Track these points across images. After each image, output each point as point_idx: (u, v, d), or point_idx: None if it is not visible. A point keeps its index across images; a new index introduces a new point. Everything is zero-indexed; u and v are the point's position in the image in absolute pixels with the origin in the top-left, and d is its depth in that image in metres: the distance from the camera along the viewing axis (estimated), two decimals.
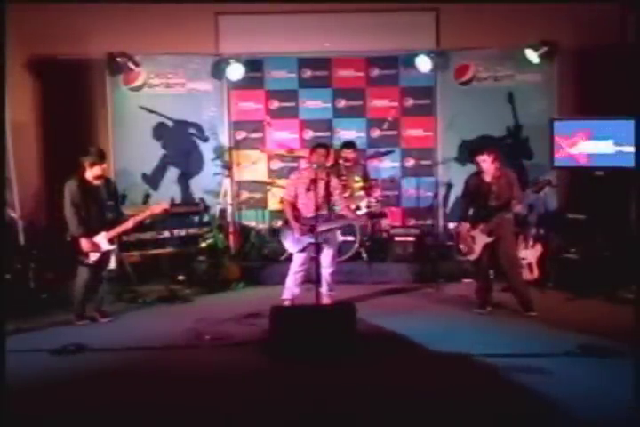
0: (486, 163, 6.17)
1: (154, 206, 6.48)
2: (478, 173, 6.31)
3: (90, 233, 6.03)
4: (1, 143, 6.55)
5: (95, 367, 5.08)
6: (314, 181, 6.15)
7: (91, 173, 6.06)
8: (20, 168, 7.37)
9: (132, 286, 7.27)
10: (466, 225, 6.32)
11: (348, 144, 8.04)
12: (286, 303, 6.43)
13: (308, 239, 6.28)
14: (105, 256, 6.17)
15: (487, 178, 6.24)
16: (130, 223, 6.20)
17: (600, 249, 7.06)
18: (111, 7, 7.90)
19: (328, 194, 6.37)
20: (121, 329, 6.07)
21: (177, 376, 4.89)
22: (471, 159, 6.59)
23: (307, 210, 6.37)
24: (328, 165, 6.49)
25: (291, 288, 6.48)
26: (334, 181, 6.48)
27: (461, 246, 6.41)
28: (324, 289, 6.41)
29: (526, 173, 7.85)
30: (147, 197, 7.99)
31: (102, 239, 6.08)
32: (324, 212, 6.34)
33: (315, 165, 6.27)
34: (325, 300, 6.40)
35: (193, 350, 5.45)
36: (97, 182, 6.10)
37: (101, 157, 6.09)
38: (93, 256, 6.07)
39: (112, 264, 6.25)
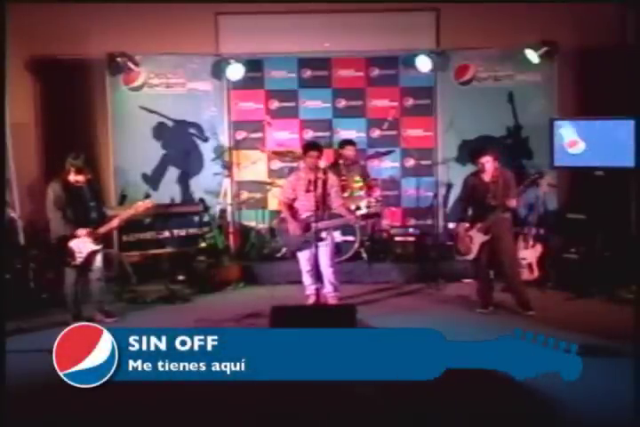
0: (489, 164, 6.20)
1: (137, 205, 6.44)
2: (477, 173, 6.32)
3: (75, 234, 6.04)
4: (1, 143, 6.56)
5: None
6: (312, 182, 6.18)
7: (74, 176, 6.09)
8: (20, 168, 7.37)
9: (131, 286, 7.28)
10: (464, 225, 6.34)
11: (348, 141, 8.03)
12: (311, 298, 6.43)
13: (305, 238, 6.28)
14: (91, 256, 6.16)
15: (486, 178, 6.26)
16: (114, 223, 6.20)
17: (600, 249, 7.06)
18: (111, 7, 7.88)
19: (325, 193, 6.35)
20: None
21: None
22: (472, 160, 6.50)
23: (304, 210, 6.38)
24: (321, 167, 6.42)
25: (309, 286, 6.48)
26: (332, 179, 6.43)
27: (460, 247, 6.42)
28: (328, 290, 6.40)
29: (526, 173, 7.83)
30: (147, 197, 7.94)
31: (88, 240, 6.08)
32: (321, 211, 6.33)
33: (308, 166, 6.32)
34: (331, 302, 6.38)
35: None
36: (79, 184, 6.12)
37: (87, 165, 6.15)
38: (80, 257, 6.07)
39: (98, 263, 6.22)
